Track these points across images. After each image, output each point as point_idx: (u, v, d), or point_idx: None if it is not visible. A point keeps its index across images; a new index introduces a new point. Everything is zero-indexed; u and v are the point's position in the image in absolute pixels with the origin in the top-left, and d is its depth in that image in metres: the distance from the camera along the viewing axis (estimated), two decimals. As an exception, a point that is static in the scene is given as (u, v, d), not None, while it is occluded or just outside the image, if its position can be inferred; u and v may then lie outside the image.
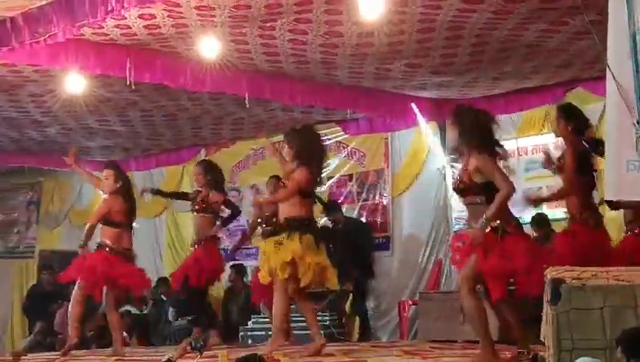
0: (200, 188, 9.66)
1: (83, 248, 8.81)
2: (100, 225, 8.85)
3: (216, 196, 9.55)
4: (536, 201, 8.29)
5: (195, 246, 9.64)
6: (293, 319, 10.45)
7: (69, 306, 8.93)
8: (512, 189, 6.34)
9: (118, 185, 8.88)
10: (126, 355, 8.91)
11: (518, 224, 6.59)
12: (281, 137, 12.67)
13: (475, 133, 6.44)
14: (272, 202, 8.43)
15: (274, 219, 8.75)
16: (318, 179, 7.95)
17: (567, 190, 7.54)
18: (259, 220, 9.87)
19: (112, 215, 8.82)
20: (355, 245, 10.96)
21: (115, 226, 8.80)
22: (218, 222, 9.69)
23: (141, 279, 9.22)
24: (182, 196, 10.53)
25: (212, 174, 9.67)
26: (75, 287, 8.81)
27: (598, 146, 7.49)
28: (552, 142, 8.71)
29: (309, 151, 7.68)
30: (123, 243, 8.84)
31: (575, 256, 7.06)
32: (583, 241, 7.35)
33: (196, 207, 9.60)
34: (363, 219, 12.20)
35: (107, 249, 8.73)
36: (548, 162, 7.90)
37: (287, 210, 7.68)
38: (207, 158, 12.03)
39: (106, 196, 8.98)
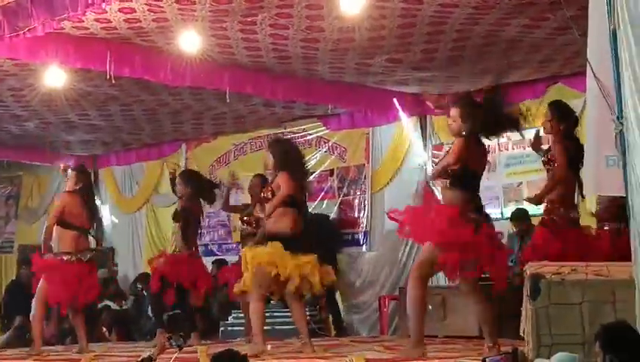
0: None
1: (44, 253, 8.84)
2: (56, 228, 8.82)
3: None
4: (537, 201, 8.22)
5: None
6: (275, 314, 10.51)
7: (32, 308, 8.94)
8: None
9: (78, 187, 8.90)
10: (107, 351, 8.91)
11: None
12: (261, 132, 12.80)
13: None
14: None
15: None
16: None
17: (557, 183, 7.57)
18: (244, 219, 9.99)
19: (67, 216, 8.79)
20: (320, 240, 10.93)
21: (72, 229, 8.79)
22: None
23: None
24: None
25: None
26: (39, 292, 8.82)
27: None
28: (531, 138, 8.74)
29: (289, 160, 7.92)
30: (80, 247, 8.84)
31: (555, 248, 7.13)
32: (564, 234, 7.42)
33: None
34: (333, 215, 12.22)
35: (66, 257, 8.73)
36: (537, 143, 7.97)
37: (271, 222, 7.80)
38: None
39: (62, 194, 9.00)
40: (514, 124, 6.91)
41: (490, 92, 7.13)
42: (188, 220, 9.84)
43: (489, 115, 6.72)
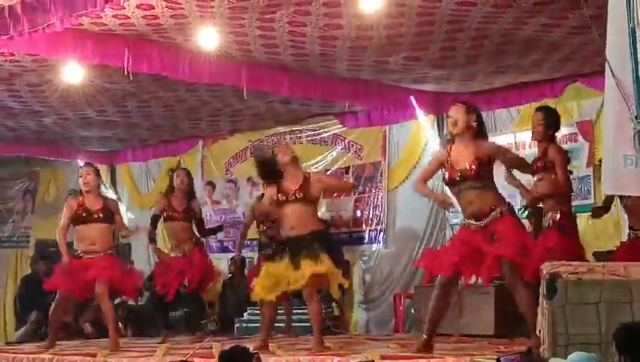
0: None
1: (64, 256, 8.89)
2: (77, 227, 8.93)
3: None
4: (534, 202, 8.26)
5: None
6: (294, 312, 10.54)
7: (54, 307, 9.01)
8: None
9: (98, 183, 9.05)
10: (122, 347, 8.93)
11: None
12: (278, 130, 12.81)
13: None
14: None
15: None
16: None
17: (561, 188, 7.65)
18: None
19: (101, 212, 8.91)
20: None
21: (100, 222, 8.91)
22: None
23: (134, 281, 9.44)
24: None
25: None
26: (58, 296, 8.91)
27: None
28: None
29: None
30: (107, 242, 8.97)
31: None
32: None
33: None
34: (348, 212, 12.22)
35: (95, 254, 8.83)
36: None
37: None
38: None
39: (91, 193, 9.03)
40: None
41: None
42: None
43: None
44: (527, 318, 6.59)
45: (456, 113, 6.97)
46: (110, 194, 11.99)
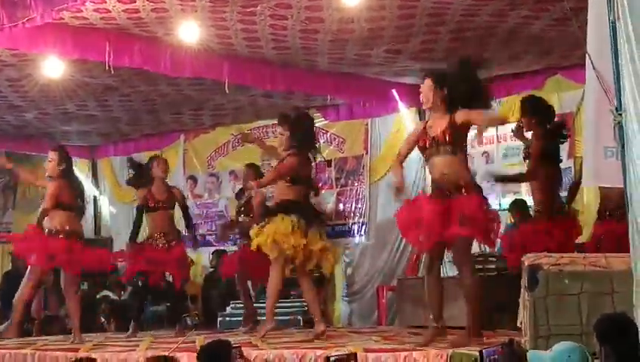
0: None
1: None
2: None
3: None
4: (497, 178, 8.56)
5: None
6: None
7: (20, 288, 9.00)
8: None
9: (62, 168, 8.97)
10: (104, 340, 8.92)
11: None
12: (260, 123, 12.79)
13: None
14: (261, 185, 8.58)
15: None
16: (313, 164, 8.37)
17: (528, 176, 7.83)
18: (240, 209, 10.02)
19: (60, 197, 8.86)
20: None
21: (66, 209, 8.88)
22: None
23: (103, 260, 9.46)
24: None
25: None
26: (29, 272, 8.96)
27: (561, 129, 8.22)
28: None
29: (303, 139, 8.11)
30: (75, 226, 8.97)
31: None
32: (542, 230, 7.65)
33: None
34: (330, 205, 12.24)
35: (61, 234, 8.82)
36: (518, 131, 8.17)
37: (276, 194, 7.91)
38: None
39: (50, 179, 9.02)
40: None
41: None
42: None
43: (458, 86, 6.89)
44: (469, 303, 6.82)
45: (426, 88, 6.98)
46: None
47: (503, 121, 8.39)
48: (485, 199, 7.00)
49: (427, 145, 6.90)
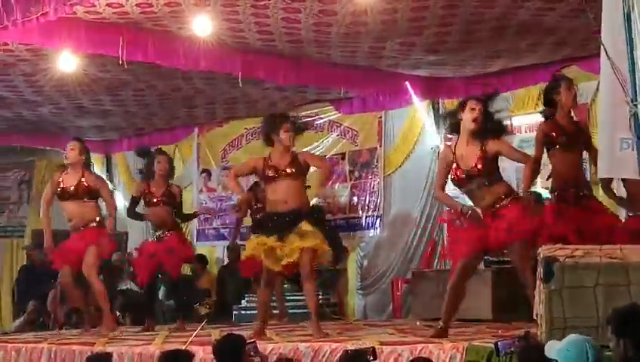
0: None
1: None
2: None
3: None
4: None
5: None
6: (288, 298, 10.56)
7: (56, 291, 9.10)
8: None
9: (83, 157, 9.15)
10: (120, 335, 8.95)
11: None
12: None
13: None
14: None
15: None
16: None
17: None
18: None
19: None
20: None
21: (94, 199, 9.17)
22: None
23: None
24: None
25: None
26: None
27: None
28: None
29: None
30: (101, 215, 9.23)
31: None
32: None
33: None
34: (344, 198, 12.22)
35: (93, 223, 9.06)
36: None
37: None
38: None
39: (70, 166, 9.16)
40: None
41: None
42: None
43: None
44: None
45: (478, 107, 6.85)
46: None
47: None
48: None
49: (463, 181, 6.91)
